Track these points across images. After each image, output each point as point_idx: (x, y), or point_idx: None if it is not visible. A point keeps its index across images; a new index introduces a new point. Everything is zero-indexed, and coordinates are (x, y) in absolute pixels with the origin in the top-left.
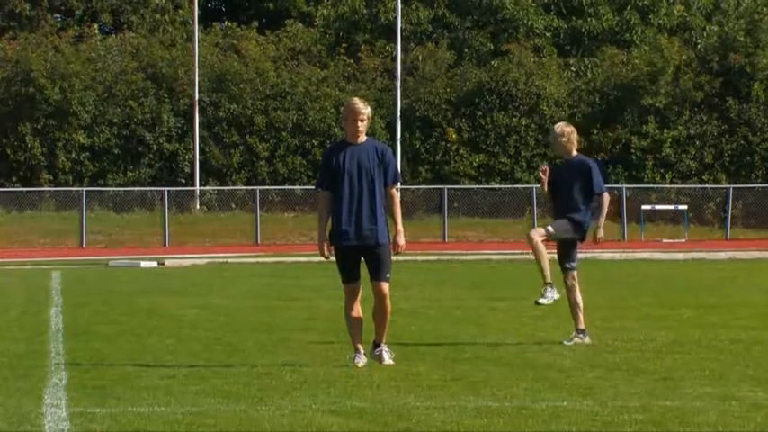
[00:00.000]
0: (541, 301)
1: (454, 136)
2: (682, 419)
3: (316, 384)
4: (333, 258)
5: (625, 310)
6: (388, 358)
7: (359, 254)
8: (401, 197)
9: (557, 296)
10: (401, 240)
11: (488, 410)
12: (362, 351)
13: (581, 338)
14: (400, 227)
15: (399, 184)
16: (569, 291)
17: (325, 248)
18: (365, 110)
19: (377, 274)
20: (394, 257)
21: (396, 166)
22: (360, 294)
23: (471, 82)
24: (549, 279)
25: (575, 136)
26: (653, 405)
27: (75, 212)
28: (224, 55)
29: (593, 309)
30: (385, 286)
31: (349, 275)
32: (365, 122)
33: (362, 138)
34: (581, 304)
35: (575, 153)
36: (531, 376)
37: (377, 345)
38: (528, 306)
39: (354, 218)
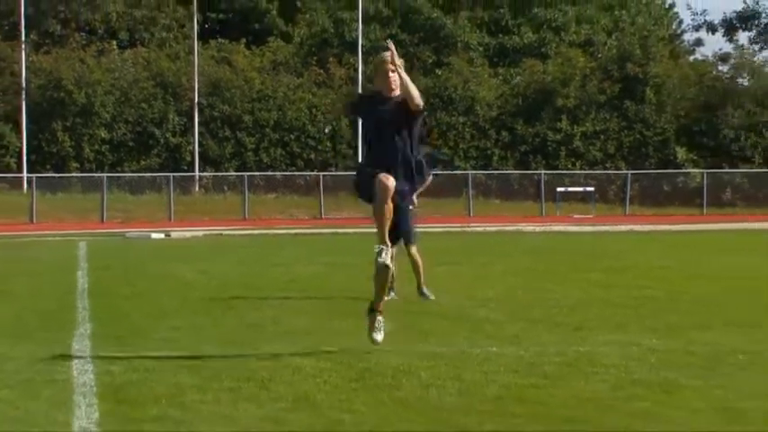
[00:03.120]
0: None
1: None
2: (591, 361)
3: (294, 334)
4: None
5: (545, 273)
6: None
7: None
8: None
9: None
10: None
11: (433, 355)
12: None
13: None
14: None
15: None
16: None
17: None
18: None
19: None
20: None
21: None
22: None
23: (421, 87)
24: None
25: None
26: (567, 350)
27: (97, 194)
28: (218, 66)
29: (518, 273)
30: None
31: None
32: (394, 76)
33: (397, 91)
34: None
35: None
36: (468, 327)
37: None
38: (464, 269)
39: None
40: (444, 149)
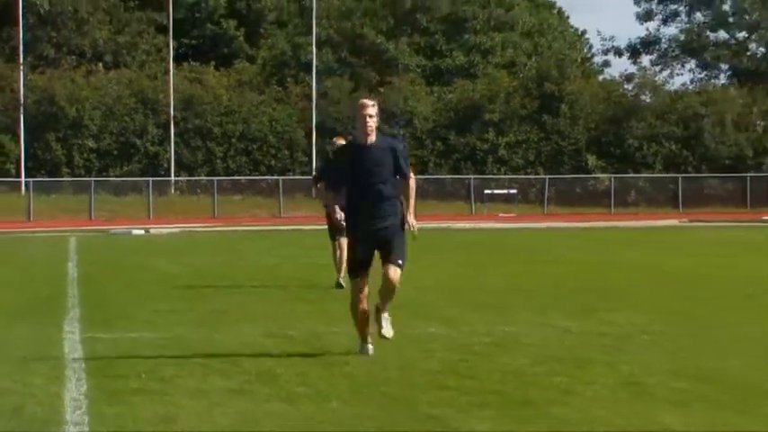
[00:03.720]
0: None
1: (351, 140)
2: (515, 340)
3: (257, 318)
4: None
5: (475, 265)
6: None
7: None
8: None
9: None
10: (412, 220)
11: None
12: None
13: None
14: (412, 209)
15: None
16: None
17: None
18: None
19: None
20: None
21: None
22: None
23: None
24: None
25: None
26: (495, 330)
27: (86, 196)
28: (191, 84)
29: (452, 264)
30: (395, 273)
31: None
32: (374, 119)
33: (373, 137)
34: None
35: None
36: (409, 312)
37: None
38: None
39: (367, 219)
40: None
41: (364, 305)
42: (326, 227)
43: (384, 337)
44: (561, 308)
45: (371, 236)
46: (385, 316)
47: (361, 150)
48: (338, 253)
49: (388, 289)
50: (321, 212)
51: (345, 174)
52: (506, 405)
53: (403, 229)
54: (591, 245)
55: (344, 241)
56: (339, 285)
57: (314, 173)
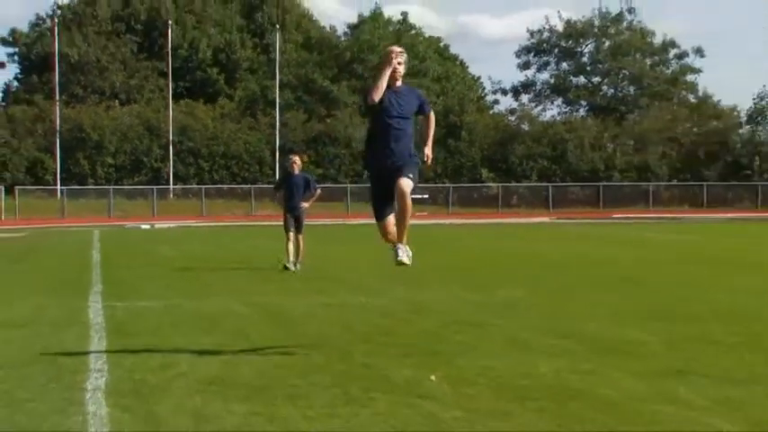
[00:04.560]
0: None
1: (306, 159)
2: (428, 307)
3: (237, 290)
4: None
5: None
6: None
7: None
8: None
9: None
10: (428, 151)
11: (327, 304)
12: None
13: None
14: (430, 142)
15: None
16: None
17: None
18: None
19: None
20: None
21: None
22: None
23: (316, 130)
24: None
25: None
26: (413, 299)
27: (106, 200)
28: (185, 116)
29: (378, 251)
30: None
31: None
32: (402, 66)
33: (400, 81)
34: None
35: None
36: (348, 286)
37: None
38: (343, 248)
39: (386, 156)
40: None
41: (392, 234)
42: (282, 223)
43: (402, 262)
44: (462, 283)
45: (386, 171)
46: (400, 246)
47: (391, 93)
48: (289, 243)
49: (400, 206)
50: (279, 212)
51: (374, 114)
52: (422, 356)
53: (416, 163)
54: (483, 237)
55: (292, 234)
56: (286, 268)
57: (275, 183)
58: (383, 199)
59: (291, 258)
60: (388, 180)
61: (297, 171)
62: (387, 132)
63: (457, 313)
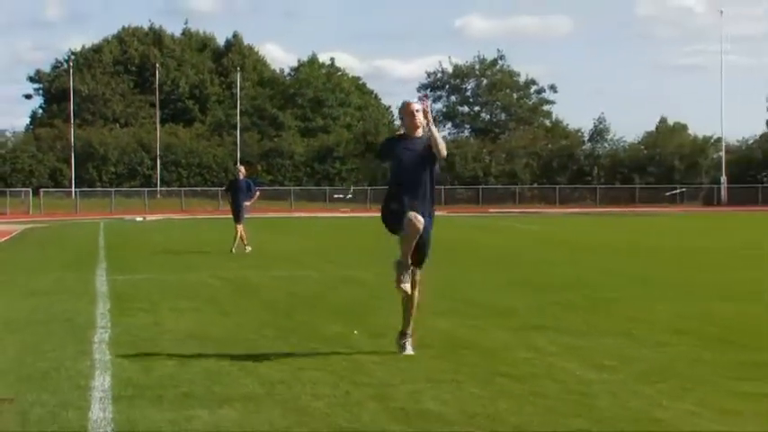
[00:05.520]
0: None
1: (258, 168)
2: (353, 280)
3: (209, 267)
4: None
5: (328, 237)
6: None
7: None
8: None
9: None
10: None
11: (274, 277)
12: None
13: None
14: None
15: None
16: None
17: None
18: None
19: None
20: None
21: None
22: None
23: (267, 147)
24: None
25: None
26: (341, 275)
27: (109, 199)
28: (169, 136)
29: (317, 237)
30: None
31: None
32: (419, 115)
33: (419, 131)
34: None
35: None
36: (293, 263)
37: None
38: (288, 237)
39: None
40: (262, 178)
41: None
42: (231, 216)
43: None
44: (376, 262)
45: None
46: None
47: (413, 141)
48: (236, 233)
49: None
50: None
51: (393, 165)
52: (347, 316)
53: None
54: (533, 230)
55: (240, 226)
56: (231, 252)
57: (225, 186)
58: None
59: (237, 242)
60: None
61: (242, 177)
62: (405, 186)
63: (374, 285)
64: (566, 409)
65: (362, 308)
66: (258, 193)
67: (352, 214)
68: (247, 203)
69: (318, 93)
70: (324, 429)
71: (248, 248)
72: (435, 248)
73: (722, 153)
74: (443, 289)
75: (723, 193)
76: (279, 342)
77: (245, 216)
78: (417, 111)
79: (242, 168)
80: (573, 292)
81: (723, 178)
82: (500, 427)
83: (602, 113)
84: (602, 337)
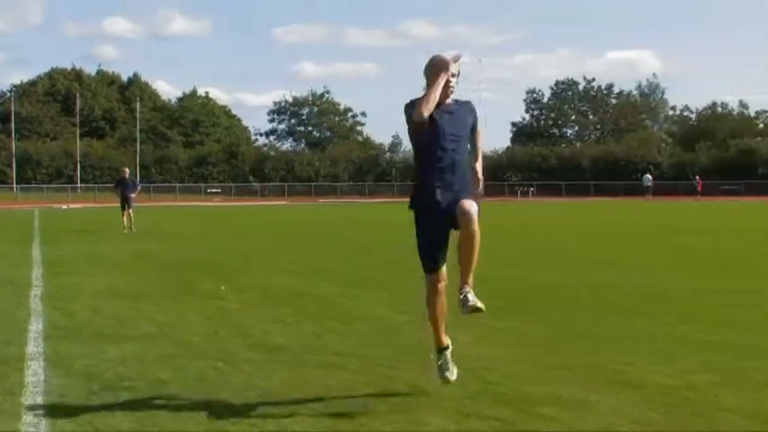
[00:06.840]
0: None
1: (153, 170)
2: (224, 251)
3: (117, 242)
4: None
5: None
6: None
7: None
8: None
9: None
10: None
11: (168, 248)
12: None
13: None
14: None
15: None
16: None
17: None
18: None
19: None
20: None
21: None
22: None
23: (159, 155)
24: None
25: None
26: (217, 246)
27: (42, 193)
28: (87, 147)
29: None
30: (470, 204)
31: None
32: (455, 79)
33: (450, 99)
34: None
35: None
36: (180, 238)
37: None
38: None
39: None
40: (155, 177)
41: (443, 299)
42: (119, 205)
43: (476, 307)
44: (239, 237)
45: (438, 206)
46: (468, 288)
47: (442, 111)
48: (123, 217)
49: (466, 234)
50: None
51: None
52: (218, 274)
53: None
54: (348, 214)
55: (126, 212)
56: (124, 231)
57: (114, 182)
58: (434, 242)
59: (125, 225)
60: (440, 217)
61: (126, 176)
62: (439, 159)
63: (236, 253)
64: (376, 340)
65: (230, 269)
66: (139, 187)
67: (221, 204)
68: (132, 195)
69: (197, 116)
70: (200, 357)
71: (133, 229)
72: (282, 226)
73: None
74: (291, 255)
75: None
76: (168, 295)
77: (134, 205)
78: (453, 75)
79: (126, 170)
80: (372, 255)
81: None
82: (326, 353)
83: (397, 132)
84: (402, 291)
